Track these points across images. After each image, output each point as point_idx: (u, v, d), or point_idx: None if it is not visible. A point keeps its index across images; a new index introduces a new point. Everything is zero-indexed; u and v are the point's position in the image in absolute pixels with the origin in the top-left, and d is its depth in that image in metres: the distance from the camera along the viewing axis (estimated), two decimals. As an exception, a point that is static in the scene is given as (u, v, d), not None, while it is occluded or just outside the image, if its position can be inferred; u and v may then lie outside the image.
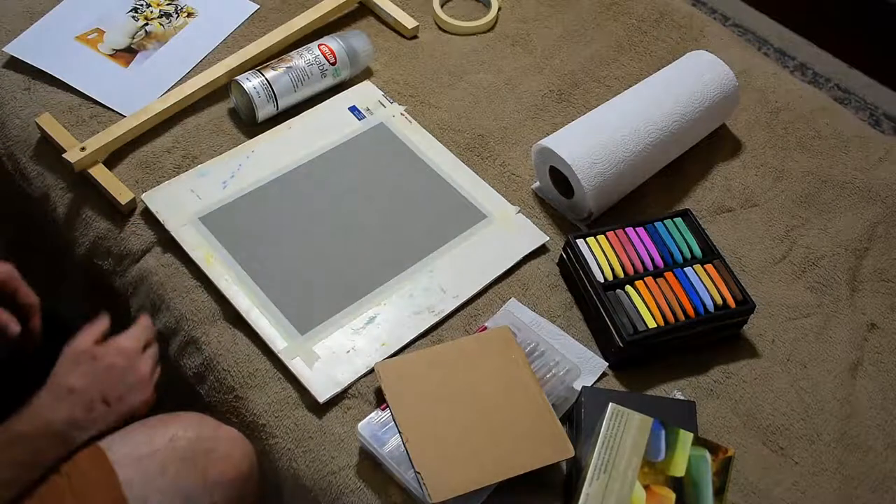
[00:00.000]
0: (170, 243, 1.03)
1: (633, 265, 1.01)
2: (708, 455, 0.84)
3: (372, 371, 0.93)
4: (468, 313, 1.01)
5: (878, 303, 1.09)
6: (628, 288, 0.99)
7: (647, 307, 0.97)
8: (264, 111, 1.13)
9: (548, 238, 1.08)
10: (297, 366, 0.94)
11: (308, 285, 1.00)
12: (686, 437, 0.85)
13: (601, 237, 1.03)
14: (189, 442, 0.85)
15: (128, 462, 0.82)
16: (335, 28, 1.27)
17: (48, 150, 1.09)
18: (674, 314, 0.97)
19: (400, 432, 0.86)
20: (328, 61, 1.16)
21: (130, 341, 0.86)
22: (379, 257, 1.03)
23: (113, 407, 0.80)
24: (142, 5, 1.24)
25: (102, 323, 0.89)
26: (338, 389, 0.93)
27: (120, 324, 1.09)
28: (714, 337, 1.01)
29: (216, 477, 0.85)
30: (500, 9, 1.34)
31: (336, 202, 1.08)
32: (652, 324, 0.96)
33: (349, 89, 1.20)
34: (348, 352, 0.95)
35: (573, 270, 1.03)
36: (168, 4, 1.25)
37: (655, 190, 1.15)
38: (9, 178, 1.13)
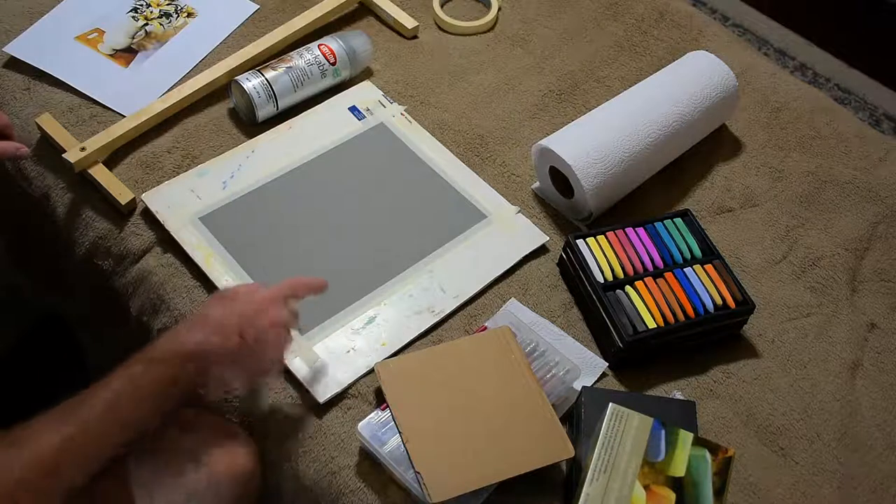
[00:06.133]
0: (170, 243, 1.03)
1: (633, 265, 1.01)
2: (708, 455, 0.84)
3: (372, 371, 0.93)
4: (468, 313, 1.01)
5: (878, 303, 1.09)
6: (628, 288, 0.99)
7: (646, 307, 0.97)
8: (264, 111, 1.13)
9: (548, 238, 1.08)
10: (297, 366, 0.94)
11: (308, 285, 1.00)
12: (686, 437, 0.85)
13: (601, 237, 1.03)
14: (194, 439, 0.86)
15: (132, 458, 0.83)
16: (335, 28, 1.27)
17: (48, 150, 1.09)
18: (674, 314, 0.97)
19: (400, 432, 0.86)
20: (328, 61, 1.16)
21: (268, 291, 0.85)
22: (379, 257, 1.03)
23: (248, 342, 0.81)
24: (142, 5, 1.24)
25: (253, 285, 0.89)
26: (338, 389, 0.93)
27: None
28: (714, 337, 1.01)
29: (221, 473, 0.86)
30: (500, 9, 1.34)
31: (336, 202, 1.08)
32: (652, 324, 0.96)
33: (349, 89, 1.20)
34: (348, 352, 0.95)
35: (573, 270, 1.03)
36: (168, 4, 1.25)
37: (655, 190, 1.15)
38: (9, 178, 1.13)
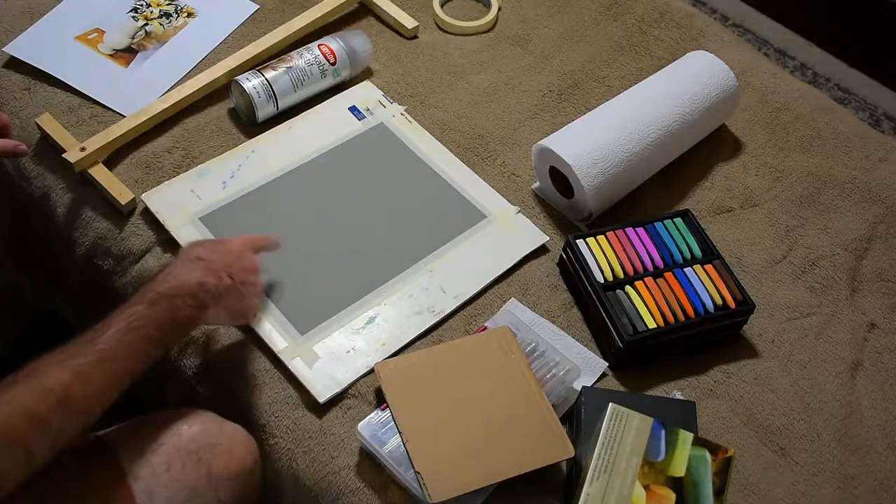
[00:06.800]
0: (170, 243, 1.03)
1: (633, 265, 1.01)
2: (708, 455, 0.84)
3: (372, 371, 0.93)
4: (468, 313, 1.01)
5: (878, 303, 1.09)
6: (628, 288, 0.99)
7: (647, 307, 0.97)
8: (264, 111, 1.13)
9: (548, 238, 1.08)
10: (297, 366, 0.94)
11: (308, 285, 1.00)
12: (686, 437, 0.85)
13: (601, 237, 1.03)
14: (193, 437, 0.86)
15: (133, 457, 0.83)
16: (335, 28, 1.27)
17: (48, 150, 1.09)
18: (674, 314, 0.97)
19: (400, 432, 0.86)
20: (328, 61, 1.16)
21: (240, 241, 0.92)
22: (379, 257, 1.03)
23: (235, 283, 0.86)
24: (142, 5, 1.24)
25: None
26: (338, 389, 0.93)
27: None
28: (714, 337, 1.01)
29: (220, 472, 0.86)
30: (500, 9, 1.34)
31: (336, 202, 1.08)
32: (652, 324, 0.96)
33: (349, 89, 1.20)
34: (348, 352, 0.95)
35: (573, 271, 1.03)
36: (168, 4, 1.25)
37: (655, 190, 1.15)
38: (9, 179, 1.13)
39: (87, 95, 1.14)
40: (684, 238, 1.04)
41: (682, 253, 1.03)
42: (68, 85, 1.14)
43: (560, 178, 1.09)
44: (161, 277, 0.83)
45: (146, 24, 1.22)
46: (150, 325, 0.79)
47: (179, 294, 0.82)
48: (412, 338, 0.98)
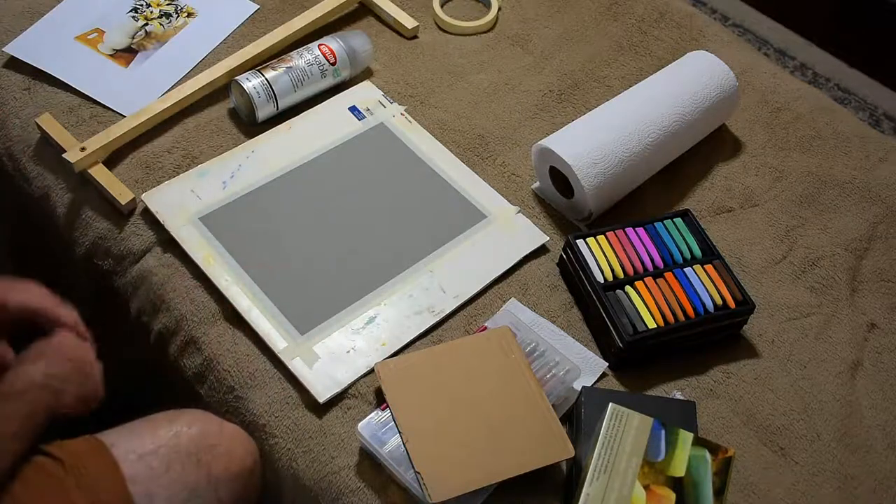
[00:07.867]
0: (170, 243, 1.03)
1: (632, 265, 1.01)
2: (708, 455, 0.84)
3: (372, 371, 0.93)
4: (468, 313, 1.01)
5: (878, 303, 1.09)
6: (628, 288, 0.99)
7: (647, 307, 0.97)
8: (264, 111, 1.13)
9: (548, 238, 1.08)
10: (297, 366, 0.94)
11: (308, 285, 1.00)
12: (686, 437, 0.85)
13: (601, 237, 1.03)
14: (193, 438, 0.86)
15: (132, 458, 0.83)
16: (335, 28, 1.27)
17: (48, 150, 1.09)
18: (674, 314, 0.97)
19: (400, 432, 0.86)
20: (328, 61, 1.16)
21: (65, 317, 0.87)
22: (379, 257, 1.03)
23: (76, 367, 0.82)
24: (142, 5, 1.24)
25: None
26: (338, 389, 0.93)
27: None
28: (714, 337, 1.01)
29: (220, 473, 0.86)
30: (500, 9, 1.34)
31: (336, 202, 1.08)
32: (652, 324, 0.96)
33: (349, 89, 1.20)
34: (348, 352, 0.95)
35: (573, 271, 1.03)
36: (168, 4, 1.25)
37: (655, 190, 1.15)
38: (9, 178, 1.13)
39: (87, 95, 1.14)
40: (684, 238, 1.04)
41: (682, 253, 1.03)
42: (68, 85, 1.14)
43: (560, 178, 1.09)
44: (5, 379, 0.80)
45: (146, 24, 1.22)
46: (9, 422, 0.77)
47: (30, 388, 0.78)
48: (412, 338, 0.98)
